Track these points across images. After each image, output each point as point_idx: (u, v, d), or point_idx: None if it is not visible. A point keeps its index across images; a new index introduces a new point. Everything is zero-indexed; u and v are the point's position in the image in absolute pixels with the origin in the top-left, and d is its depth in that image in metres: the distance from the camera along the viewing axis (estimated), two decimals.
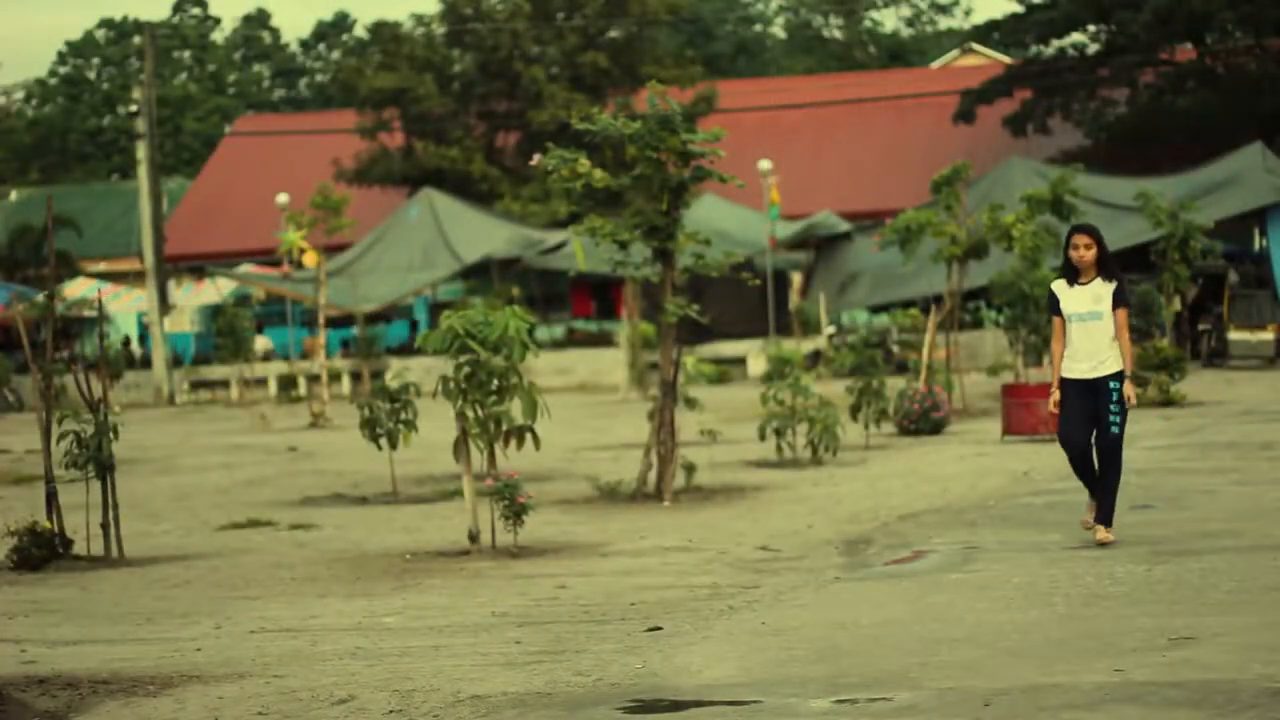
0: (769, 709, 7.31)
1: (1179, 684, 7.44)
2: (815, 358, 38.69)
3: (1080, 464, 11.70)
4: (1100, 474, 11.63)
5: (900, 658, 8.27)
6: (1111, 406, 11.46)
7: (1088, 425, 11.50)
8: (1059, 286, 11.75)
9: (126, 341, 49.45)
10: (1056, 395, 11.61)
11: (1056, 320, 11.70)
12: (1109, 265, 11.68)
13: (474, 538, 12.77)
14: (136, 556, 13.22)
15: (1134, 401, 11.63)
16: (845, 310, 43.06)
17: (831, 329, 41.24)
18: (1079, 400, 11.53)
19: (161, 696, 8.08)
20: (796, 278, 44.84)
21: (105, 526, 13.17)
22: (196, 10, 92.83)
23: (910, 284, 38.62)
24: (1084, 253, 11.58)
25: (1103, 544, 11.44)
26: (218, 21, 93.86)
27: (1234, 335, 35.44)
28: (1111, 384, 11.48)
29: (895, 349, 37.11)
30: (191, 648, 9.32)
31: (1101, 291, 11.57)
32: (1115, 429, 11.46)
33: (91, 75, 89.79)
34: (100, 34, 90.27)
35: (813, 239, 44.57)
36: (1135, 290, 34.04)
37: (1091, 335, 11.55)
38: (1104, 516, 11.61)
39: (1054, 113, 49.40)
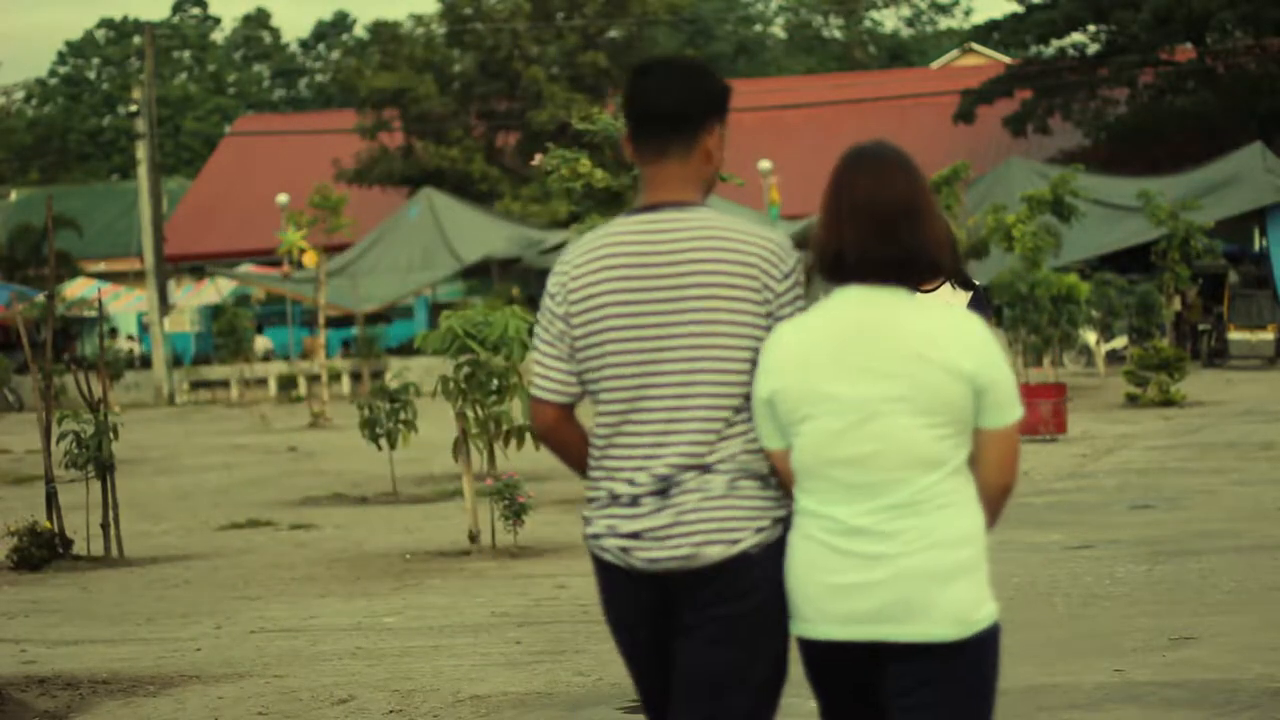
0: None
1: (1179, 684, 7.44)
2: None
3: None
4: None
5: None
6: None
7: None
8: None
9: (115, 333, 48.63)
10: None
11: None
12: (961, 269, 9.02)
13: (474, 538, 12.77)
14: (136, 556, 13.21)
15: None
16: None
17: None
18: None
19: (161, 696, 8.08)
20: None
21: (105, 526, 13.17)
22: (196, 10, 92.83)
23: None
24: None
25: None
26: (218, 21, 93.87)
27: (1234, 335, 35.40)
28: None
29: None
30: (191, 648, 9.32)
31: (952, 301, 8.73)
32: None
33: (91, 75, 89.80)
34: (100, 34, 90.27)
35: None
36: (1135, 290, 34.12)
37: None
38: None
39: (1054, 113, 49.35)
